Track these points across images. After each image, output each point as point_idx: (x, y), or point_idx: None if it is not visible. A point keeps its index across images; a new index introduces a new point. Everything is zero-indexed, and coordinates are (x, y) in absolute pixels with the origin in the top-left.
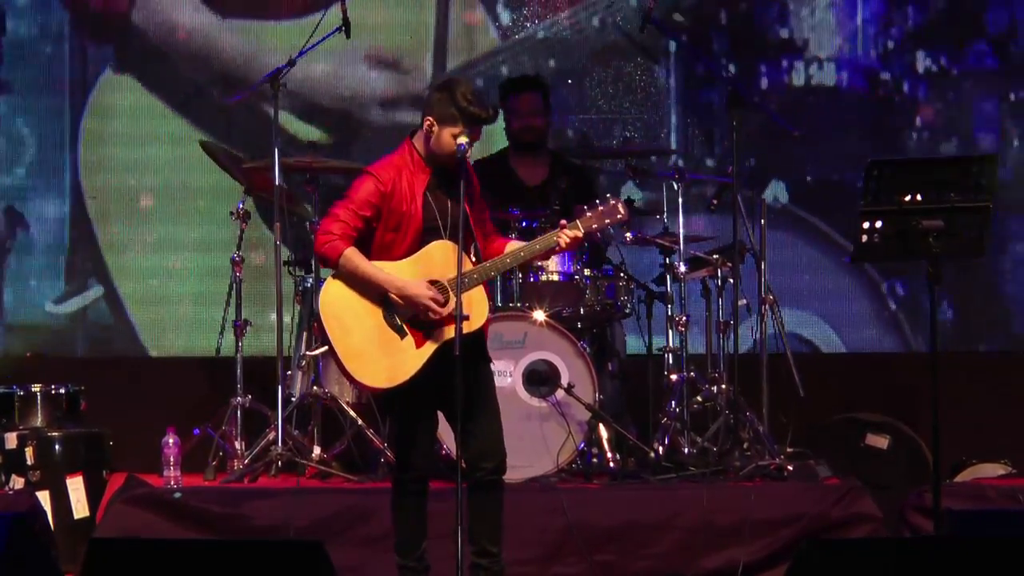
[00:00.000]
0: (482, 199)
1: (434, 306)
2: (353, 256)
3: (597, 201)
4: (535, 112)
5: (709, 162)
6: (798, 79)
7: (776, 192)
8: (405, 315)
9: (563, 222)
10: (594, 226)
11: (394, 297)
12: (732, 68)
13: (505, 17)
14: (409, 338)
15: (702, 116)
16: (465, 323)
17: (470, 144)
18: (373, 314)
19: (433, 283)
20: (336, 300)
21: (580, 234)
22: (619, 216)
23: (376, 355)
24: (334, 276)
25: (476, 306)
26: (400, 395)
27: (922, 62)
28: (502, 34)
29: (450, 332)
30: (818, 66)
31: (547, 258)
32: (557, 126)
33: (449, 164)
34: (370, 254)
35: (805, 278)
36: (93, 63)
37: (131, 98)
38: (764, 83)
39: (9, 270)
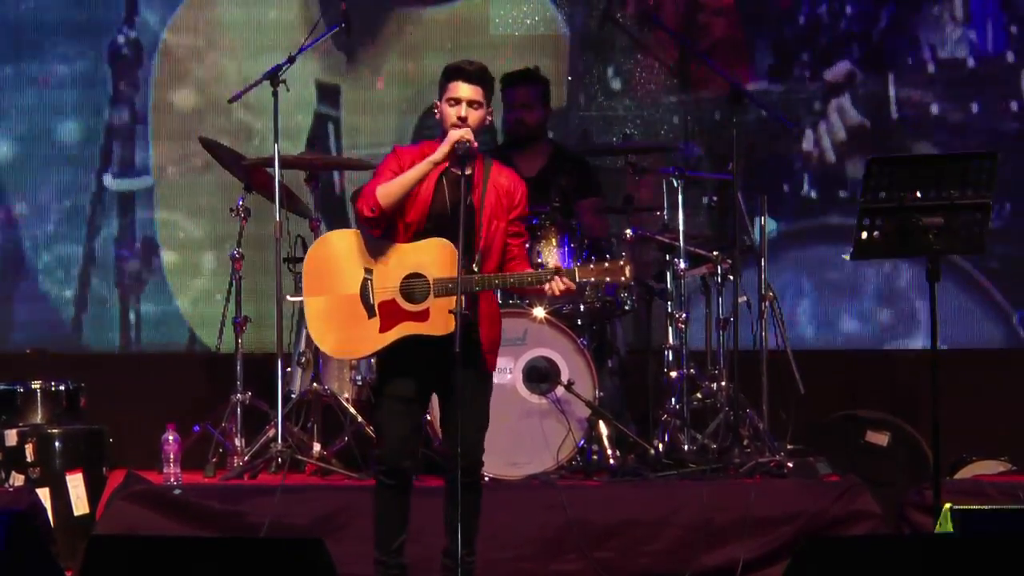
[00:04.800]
0: (520, 220)
1: (462, 133)
2: (384, 183)
3: (607, 255)
4: (528, 105)
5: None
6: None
7: None
8: (380, 297)
9: (559, 266)
10: (592, 279)
11: (437, 156)
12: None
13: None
14: (376, 320)
15: (704, 114)
16: (427, 325)
17: (462, 104)
18: (351, 285)
19: (417, 276)
20: (321, 258)
21: (573, 287)
22: (622, 279)
23: (336, 323)
24: (327, 237)
25: (442, 312)
26: (383, 390)
27: None
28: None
29: (416, 328)
30: None
31: (538, 293)
32: (558, 123)
33: (470, 157)
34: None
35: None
36: None
37: None
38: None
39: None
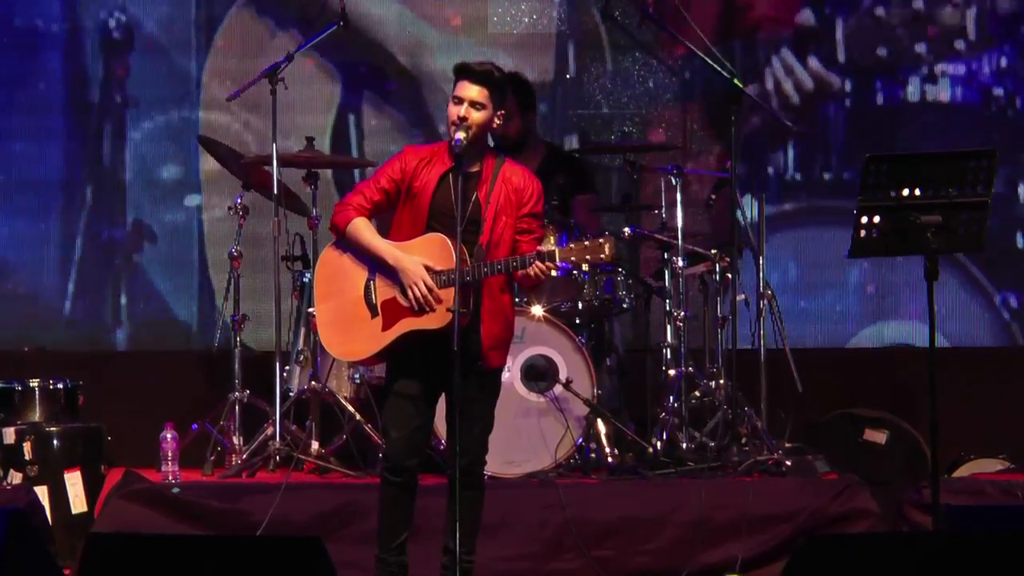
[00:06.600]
0: (531, 217)
1: (421, 287)
2: (360, 225)
3: (588, 234)
4: (506, 117)
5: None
6: (914, 95)
7: None
8: (382, 296)
9: (540, 249)
10: (572, 259)
11: (389, 264)
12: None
13: None
14: (379, 319)
15: (701, 112)
16: (425, 319)
17: (464, 104)
18: (356, 287)
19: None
20: (330, 263)
21: (548, 271)
22: (602, 256)
23: (342, 326)
24: (336, 243)
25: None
26: (391, 388)
27: None
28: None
29: (415, 323)
30: (932, 82)
31: (525, 282)
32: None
33: (475, 156)
34: (387, 230)
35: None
36: None
37: None
38: (880, 99)
39: None
